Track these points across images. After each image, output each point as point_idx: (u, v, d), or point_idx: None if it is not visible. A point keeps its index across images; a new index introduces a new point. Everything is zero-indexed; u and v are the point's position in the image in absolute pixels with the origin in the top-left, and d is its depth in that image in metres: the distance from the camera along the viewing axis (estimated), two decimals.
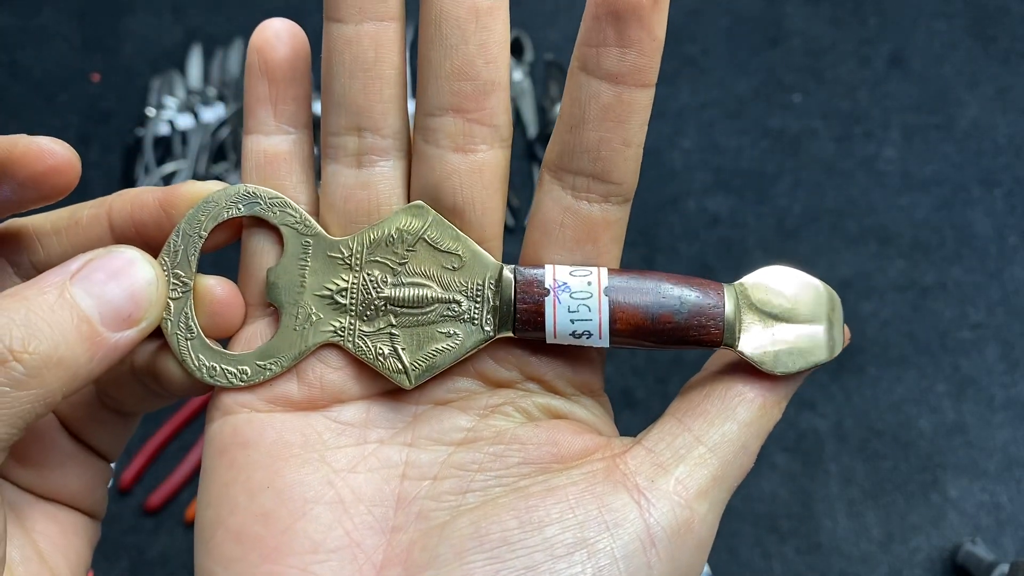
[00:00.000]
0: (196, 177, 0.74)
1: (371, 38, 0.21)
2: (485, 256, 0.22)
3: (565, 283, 0.22)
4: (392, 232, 0.22)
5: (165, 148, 0.76)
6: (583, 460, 0.21)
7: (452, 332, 0.22)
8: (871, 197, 0.72)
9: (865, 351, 0.66)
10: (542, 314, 0.22)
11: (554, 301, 0.21)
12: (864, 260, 0.70)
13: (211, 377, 0.22)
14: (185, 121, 0.77)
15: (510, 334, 0.22)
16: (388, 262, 0.22)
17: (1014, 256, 0.70)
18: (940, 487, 0.62)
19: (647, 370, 0.66)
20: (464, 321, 0.22)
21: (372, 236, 0.22)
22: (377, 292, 0.22)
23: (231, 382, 0.22)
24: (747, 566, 0.60)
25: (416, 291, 0.22)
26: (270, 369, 0.22)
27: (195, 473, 0.63)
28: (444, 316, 0.22)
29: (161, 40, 0.82)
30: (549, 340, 0.22)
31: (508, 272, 0.22)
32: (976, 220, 0.71)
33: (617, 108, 0.20)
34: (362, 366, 0.22)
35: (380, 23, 0.21)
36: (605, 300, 0.21)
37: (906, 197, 0.72)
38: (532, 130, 0.76)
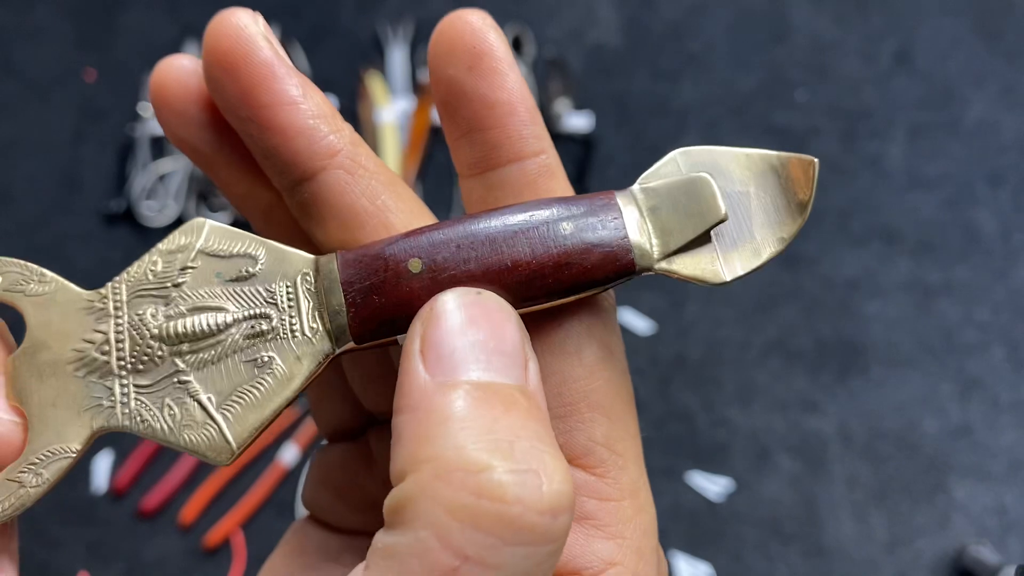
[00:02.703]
0: (193, 174, 0.73)
1: None
2: (293, 252, 0.17)
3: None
4: (155, 258, 0.17)
5: (160, 145, 0.75)
6: None
7: (265, 358, 0.17)
8: (876, 196, 0.72)
9: (870, 352, 0.66)
10: (386, 296, 0.16)
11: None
12: (869, 259, 0.69)
13: None
14: None
15: (351, 343, 0.17)
16: (156, 291, 0.17)
17: (1020, 255, 0.69)
18: (945, 489, 0.61)
19: (649, 371, 0.65)
20: (281, 338, 0.17)
21: (134, 270, 0.17)
22: (148, 332, 0.17)
23: None
24: (751, 569, 0.59)
25: (200, 318, 0.17)
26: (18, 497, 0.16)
27: (190, 477, 0.62)
28: (250, 339, 0.17)
29: (155, 36, 0.81)
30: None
31: (329, 259, 0.17)
32: (982, 219, 0.70)
33: None
34: None
35: None
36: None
37: (911, 196, 0.72)
38: None
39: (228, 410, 0.16)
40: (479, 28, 0.18)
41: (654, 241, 0.18)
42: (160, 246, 0.18)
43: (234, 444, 0.16)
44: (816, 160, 0.18)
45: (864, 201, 0.71)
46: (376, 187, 0.18)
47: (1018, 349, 0.66)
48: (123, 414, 0.17)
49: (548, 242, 0.17)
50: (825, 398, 0.64)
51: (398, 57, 0.79)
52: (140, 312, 0.17)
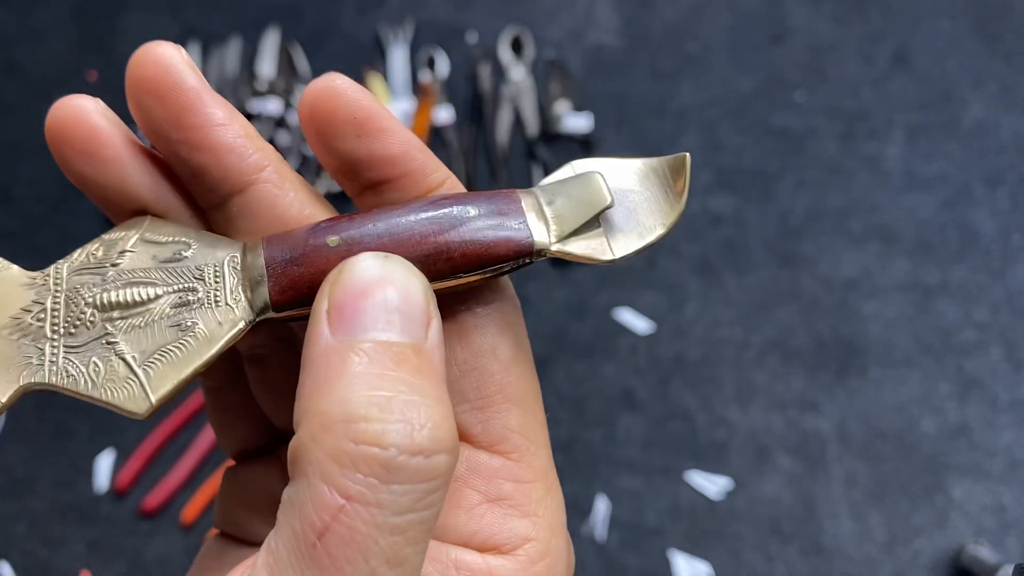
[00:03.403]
0: None
1: None
2: (225, 240, 0.19)
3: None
4: (96, 245, 0.19)
5: None
6: None
7: (189, 323, 0.18)
8: (874, 196, 0.72)
9: (868, 352, 0.66)
10: (304, 267, 0.18)
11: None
12: (867, 260, 0.69)
13: None
14: None
15: (271, 313, 0.18)
16: (95, 270, 0.18)
17: (1018, 255, 0.69)
18: (944, 489, 0.61)
19: (649, 370, 0.66)
20: (205, 307, 0.18)
21: (76, 255, 0.19)
22: (83, 301, 0.18)
23: None
24: (750, 568, 0.59)
25: (132, 290, 0.18)
26: None
27: (191, 476, 0.62)
28: (177, 308, 0.18)
29: (158, 38, 0.81)
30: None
31: (256, 241, 0.19)
32: (980, 219, 0.71)
33: None
34: None
35: None
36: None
37: (909, 196, 0.72)
38: (532, 129, 0.75)
39: (150, 367, 0.17)
40: (352, 95, 0.19)
41: (551, 227, 0.19)
42: (104, 236, 0.19)
43: (152, 397, 0.17)
44: (687, 154, 0.21)
45: (863, 201, 0.72)
46: (302, 198, 0.20)
47: (1016, 349, 0.66)
48: (50, 372, 0.17)
49: (455, 221, 0.19)
50: (824, 398, 0.64)
51: (398, 58, 0.79)
52: (77, 285, 0.18)
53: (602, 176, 0.20)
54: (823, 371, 0.65)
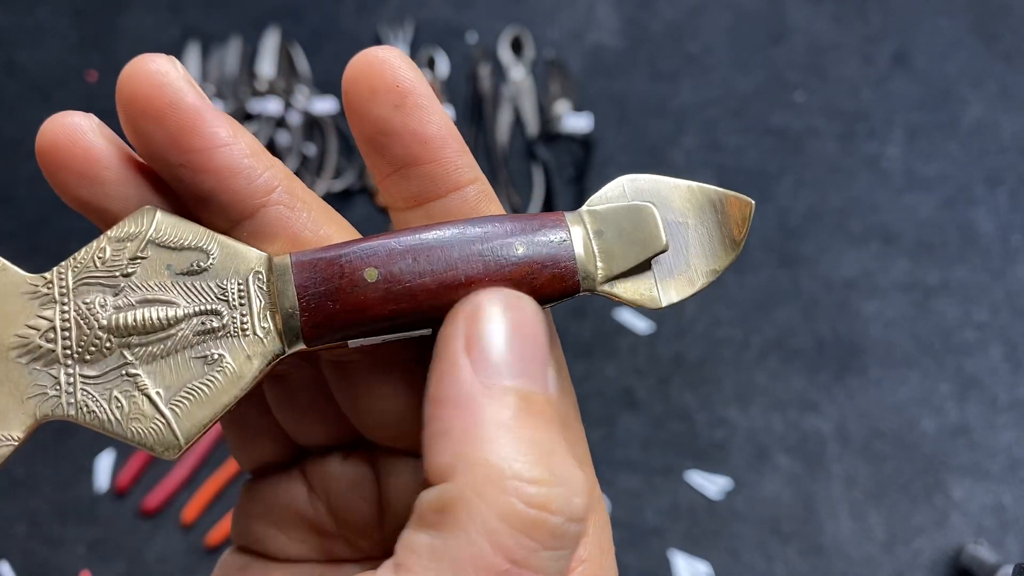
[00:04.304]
0: None
1: None
2: (246, 248, 0.17)
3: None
4: (103, 244, 0.17)
5: None
6: None
7: (215, 355, 0.17)
8: (874, 196, 0.72)
9: (868, 352, 0.66)
10: (340, 303, 0.17)
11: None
12: (867, 260, 0.69)
13: None
14: None
15: (302, 345, 0.17)
16: (105, 280, 0.17)
17: (1018, 255, 0.69)
18: (943, 489, 0.61)
19: (648, 370, 0.66)
20: (232, 336, 0.17)
21: (81, 256, 0.17)
22: (96, 322, 0.16)
23: None
24: (749, 568, 0.59)
25: (150, 311, 0.16)
26: None
27: (192, 476, 0.62)
28: (200, 335, 0.17)
29: (158, 38, 0.81)
30: (361, 341, 0.17)
31: (283, 260, 0.17)
32: (980, 219, 0.71)
33: None
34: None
35: None
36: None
37: (909, 196, 0.72)
38: (532, 129, 0.75)
39: (176, 406, 0.16)
40: (399, 65, 0.18)
41: (599, 264, 0.18)
42: (109, 233, 0.17)
43: (182, 439, 0.16)
44: (753, 203, 0.19)
45: (862, 201, 0.72)
46: (316, 218, 0.19)
47: (1016, 349, 0.66)
48: (68, 404, 0.16)
49: (501, 260, 0.17)
50: (823, 398, 0.64)
51: None
52: (88, 300, 0.17)
53: (656, 212, 0.19)
54: (823, 371, 0.65)
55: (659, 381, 0.65)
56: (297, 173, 0.73)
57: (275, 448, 0.23)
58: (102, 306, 0.17)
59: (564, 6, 0.82)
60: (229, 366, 0.17)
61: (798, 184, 0.73)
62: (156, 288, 0.17)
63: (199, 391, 0.16)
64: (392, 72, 0.18)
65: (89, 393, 0.16)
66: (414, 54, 0.79)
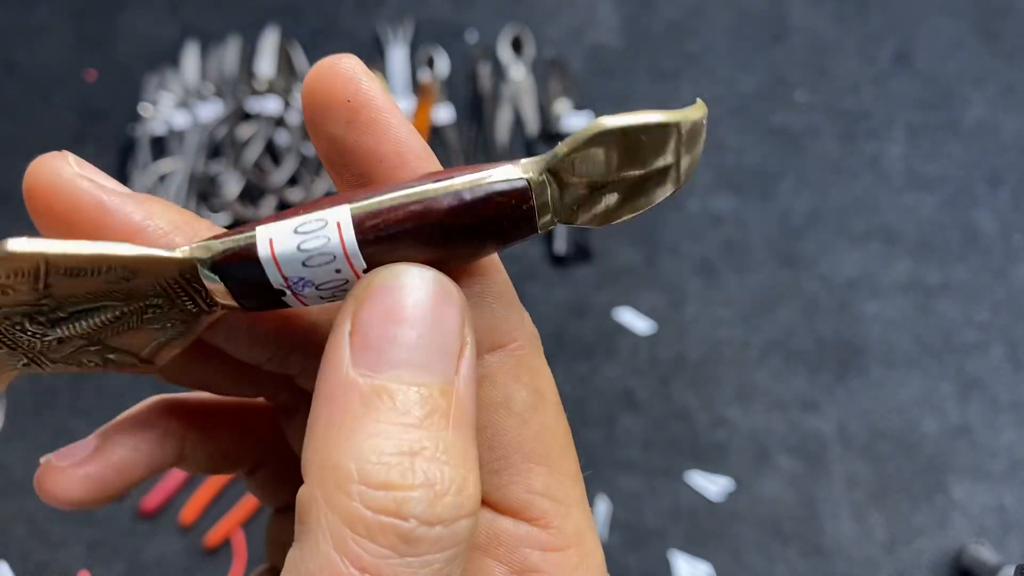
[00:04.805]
0: (193, 174, 0.73)
1: None
2: (164, 253, 0.16)
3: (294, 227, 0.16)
4: None
5: (160, 146, 0.75)
6: None
7: (163, 326, 0.17)
8: (875, 196, 0.72)
9: (869, 352, 0.66)
10: (255, 260, 0.15)
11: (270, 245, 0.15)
12: (868, 260, 0.69)
13: None
14: (181, 119, 0.76)
15: (233, 303, 0.16)
16: (22, 309, 0.16)
17: (1019, 255, 0.69)
18: (945, 489, 0.61)
19: (649, 370, 0.65)
20: (169, 311, 0.16)
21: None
22: (39, 339, 0.16)
23: None
24: (750, 569, 0.59)
25: (88, 319, 0.16)
26: None
27: (190, 476, 0.62)
28: (146, 320, 0.16)
29: (156, 37, 0.81)
30: (276, 282, 0.15)
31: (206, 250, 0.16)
32: (981, 219, 0.70)
33: None
34: None
35: None
36: (346, 211, 0.15)
37: (911, 196, 0.72)
38: (532, 128, 0.75)
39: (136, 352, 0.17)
40: (351, 77, 0.16)
41: (547, 160, 0.16)
42: None
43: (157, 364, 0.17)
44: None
45: (863, 201, 0.71)
46: None
47: (1017, 349, 0.66)
48: (45, 368, 0.17)
49: (439, 188, 0.15)
50: (825, 398, 0.64)
51: (398, 57, 0.79)
52: (21, 325, 0.16)
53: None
54: (824, 371, 0.65)
55: (660, 381, 0.65)
56: (296, 173, 0.73)
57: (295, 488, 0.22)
58: (39, 325, 0.16)
59: (564, 5, 0.82)
60: (173, 327, 0.17)
61: (799, 184, 0.72)
62: (84, 300, 0.16)
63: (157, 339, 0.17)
64: (343, 85, 0.16)
65: (60, 366, 0.17)
66: (414, 53, 0.79)
